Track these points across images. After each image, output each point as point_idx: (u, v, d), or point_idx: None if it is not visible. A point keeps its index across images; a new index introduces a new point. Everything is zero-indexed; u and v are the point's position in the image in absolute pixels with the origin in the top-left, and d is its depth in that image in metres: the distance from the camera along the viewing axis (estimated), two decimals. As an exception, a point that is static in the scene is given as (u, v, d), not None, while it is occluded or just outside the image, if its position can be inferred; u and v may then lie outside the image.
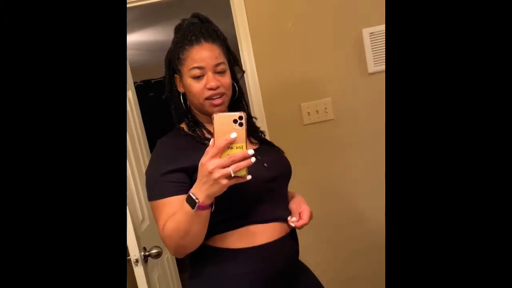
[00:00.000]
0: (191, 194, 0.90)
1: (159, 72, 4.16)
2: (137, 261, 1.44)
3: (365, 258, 1.94)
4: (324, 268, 1.82)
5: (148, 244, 1.52)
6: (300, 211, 1.10)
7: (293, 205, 1.13)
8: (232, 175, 0.85)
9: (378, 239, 1.84)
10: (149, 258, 1.52)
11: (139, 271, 1.45)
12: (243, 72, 1.23)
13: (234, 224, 1.04)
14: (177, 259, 2.05)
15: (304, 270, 1.19)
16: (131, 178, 1.57)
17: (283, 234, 1.08)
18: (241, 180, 0.88)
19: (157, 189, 1.03)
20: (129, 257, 1.46)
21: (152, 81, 4.66)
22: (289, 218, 1.09)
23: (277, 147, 1.21)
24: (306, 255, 1.21)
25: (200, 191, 0.88)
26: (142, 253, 1.47)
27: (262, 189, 1.05)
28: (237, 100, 1.18)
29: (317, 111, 1.84)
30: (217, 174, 0.85)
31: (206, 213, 0.93)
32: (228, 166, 0.85)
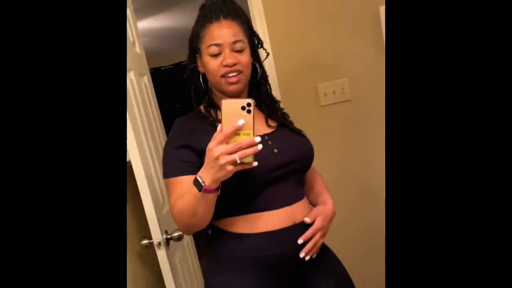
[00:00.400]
0: (198, 177, 0.91)
1: (170, 59, 4.14)
2: (159, 244, 1.45)
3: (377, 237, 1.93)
4: (344, 249, 1.82)
5: (170, 228, 1.53)
6: (315, 216, 1.09)
7: (315, 211, 1.11)
8: (238, 161, 0.86)
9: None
10: (171, 241, 1.53)
11: (161, 254, 1.46)
12: (268, 54, 1.21)
13: (241, 209, 1.05)
14: (196, 245, 2.08)
15: (324, 254, 1.16)
16: (150, 163, 1.58)
17: (293, 222, 1.07)
18: (247, 167, 0.89)
19: (169, 167, 1.06)
20: (151, 240, 1.47)
21: (162, 68, 4.66)
22: (305, 218, 1.08)
23: (298, 130, 1.18)
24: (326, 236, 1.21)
25: (206, 175, 0.90)
26: (164, 236, 1.48)
27: (270, 176, 1.04)
28: (259, 82, 1.17)
29: (334, 92, 1.82)
30: (223, 160, 0.86)
31: (212, 196, 0.94)
32: (235, 152, 0.86)
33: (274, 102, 1.21)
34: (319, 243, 1.08)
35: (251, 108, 0.88)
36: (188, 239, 1.90)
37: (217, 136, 0.88)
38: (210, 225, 1.11)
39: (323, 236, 1.09)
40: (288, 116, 1.24)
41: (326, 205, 1.14)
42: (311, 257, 1.08)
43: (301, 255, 1.05)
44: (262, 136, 1.06)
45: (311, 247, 1.06)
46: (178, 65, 4.52)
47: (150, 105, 1.79)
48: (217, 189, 0.93)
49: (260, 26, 1.77)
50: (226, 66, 1.06)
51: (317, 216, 1.08)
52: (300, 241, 1.05)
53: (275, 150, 1.06)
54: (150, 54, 1.96)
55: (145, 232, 1.54)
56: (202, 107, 1.16)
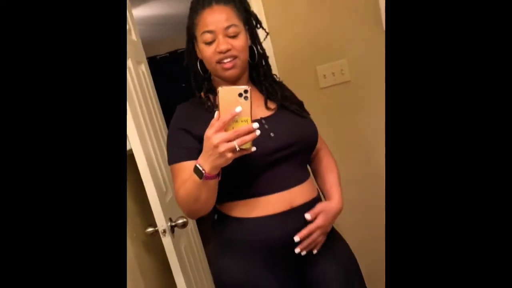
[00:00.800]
0: (197, 165, 0.92)
1: (165, 47, 4.10)
2: (164, 231, 1.46)
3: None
4: (347, 230, 1.83)
5: (174, 215, 1.54)
6: (316, 213, 1.07)
7: (318, 207, 1.09)
8: (237, 148, 0.87)
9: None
10: (176, 229, 1.53)
11: (167, 241, 1.47)
12: (267, 33, 1.20)
13: (240, 194, 1.06)
14: (200, 231, 2.09)
15: (329, 237, 1.15)
16: (151, 150, 1.57)
17: (290, 206, 1.06)
18: (245, 153, 0.90)
19: (171, 153, 1.07)
20: (156, 228, 1.48)
21: (158, 57, 4.62)
22: (306, 214, 1.07)
23: (298, 111, 1.16)
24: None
25: (206, 163, 0.91)
26: (169, 223, 1.48)
27: (266, 160, 1.04)
28: (258, 64, 1.16)
29: (333, 73, 1.81)
30: (222, 148, 0.87)
31: (214, 182, 0.95)
32: (233, 139, 0.86)
33: (274, 83, 1.19)
34: (319, 240, 1.08)
35: (248, 95, 0.88)
36: (192, 226, 1.91)
37: (215, 124, 0.88)
38: (215, 210, 1.12)
39: (324, 234, 1.09)
40: (291, 96, 1.22)
41: (332, 200, 1.14)
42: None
43: (296, 250, 1.05)
44: (259, 120, 1.06)
45: (306, 245, 1.05)
46: (174, 53, 4.48)
47: (149, 93, 1.78)
48: (218, 175, 0.94)
49: (256, 9, 1.74)
50: (220, 52, 1.05)
51: (319, 213, 1.07)
52: (296, 238, 1.04)
53: (272, 134, 1.06)
54: (144, 43, 1.94)
55: (150, 220, 1.54)
56: (202, 93, 1.16)
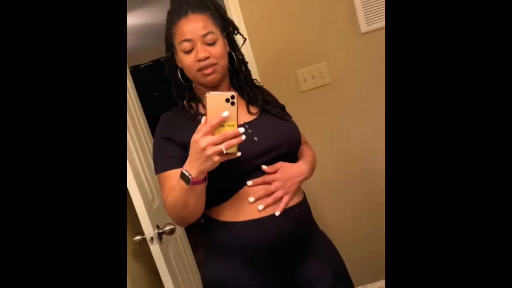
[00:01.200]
0: (184, 171, 0.94)
1: (149, 56, 4.07)
2: (152, 239, 1.47)
3: (370, 219, 1.97)
4: (331, 230, 1.86)
5: (161, 222, 1.55)
6: (276, 168, 1.07)
7: (279, 163, 1.09)
8: (224, 152, 0.89)
9: (382, 200, 1.86)
10: (163, 236, 1.55)
11: (155, 249, 1.48)
12: (245, 39, 1.22)
13: (226, 198, 1.07)
14: (189, 238, 2.09)
15: (315, 237, 1.17)
16: (136, 159, 1.59)
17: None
18: (232, 157, 0.92)
19: (157, 163, 1.09)
20: (144, 236, 1.49)
21: (142, 66, 4.62)
22: (263, 166, 1.06)
23: (281, 114, 1.17)
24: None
25: (192, 167, 0.92)
26: (156, 231, 1.49)
27: (251, 164, 1.05)
28: (238, 70, 1.18)
29: (313, 77, 1.85)
30: (210, 151, 0.89)
31: (201, 187, 0.97)
32: (220, 143, 0.89)
33: (254, 88, 1.21)
34: (277, 195, 1.05)
35: (235, 100, 0.91)
36: (180, 232, 1.92)
37: (203, 128, 0.90)
38: (203, 214, 1.13)
39: (284, 192, 1.06)
40: (272, 100, 1.24)
41: (296, 164, 1.13)
42: (301, 243, 1.10)
43: (259, 207, 1.04)
44: (243, 125, 1.07)
45: (261, 194, 1.04)
46: (158, 62, 4.49)
47: (132, 102, 1.79)
48: (205, 179, 0.95)
49: (235, 15, 1.77)
50: (199, 60, 1.06)
51: (278, 168, 1.07)
52: (249, 182, 1.05)
53: (255, 138, 1.07)
54: (128, 52, 1.95)
55: (137, 228, 1.55)
56: (185, 102, 1.18)
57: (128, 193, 1.44)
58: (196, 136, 0.90)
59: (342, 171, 1.95)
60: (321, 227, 1.24)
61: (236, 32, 1.18)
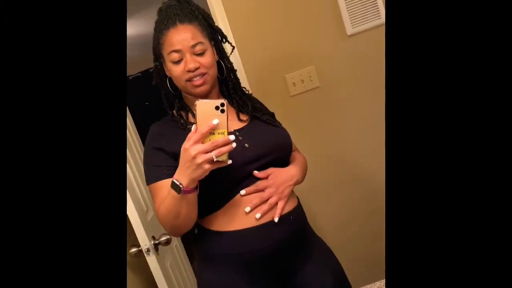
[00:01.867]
0: (174, 180, 0.93)
1: (138, 67, 4.05)
2: (148, 250, 1.46)
3: (362, 221, 1.98)
4: (327, 232, 1.87)
5: (157, 233, 1.54)
6: (268, 173, 1.07)
7: (270, 169, 1.08)
8: (215, 159, 0.88)
9: (375, 201, 1.88)
10: (160, 246, 1.54)
11: (151, 260, 1.47)
12: (233, 47, 1.23)
13: (218, 207, 1.06)
14: (185, 248, 2.09)
15: (311, 242, 1.16)
16: (129, 171, 1.58)
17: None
18: (222, 165, 0.92)
19: (148, 173, 1.08)
20: (140, 248, 1.48)
21: (130, 77, 4.61)
22: (254, 171, 1.05)
23: (271, 121, 1.18)
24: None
25: (183, 176, 0.92)
26: (152, 242, 1.48)
27: (243, 172, 1.05)
28: (227, 78, 1.18)
29: (302, 81, 1.86)
30: (200, 159, 0.88)
31: (192, 196, 0.96)
32: (211, 151, 0.88)
33: (243, 95, 1.21)
34: (272, 202, 1.05)
35: (225, 108, 0.90)
36: (177, 243, 1.91)
37: (193, 136, 0.89)
38: (196, 224, 1.13)
39: (278, 197, 1.05)
40: (262, 108, 1.24)
41: (287, 169, 1.12)
42: (297, 249, 1.09)
43: (257, 216, 1.03)
44: (233, 132, 1.07)
45: (256, 202, 1.03)
46: (146, 72, 4.48)
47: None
48: (196, 188, 0.95)
49: (222, 23, 1.78)
50: (189, 71, 1.06)
51: (270, 174, 1.07)
52: (242, 191, 1.04)
53: (246, 145, 1.06)
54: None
55: (132, 240, 1.54)
56: (175, 111, 1.17)
57: (122, 205, 1.43)
58: (186, 145, 0.90)
59: (335, 173, 1.95)
60: (314, 230, 1.24)
61: (224, 40, 1.18)
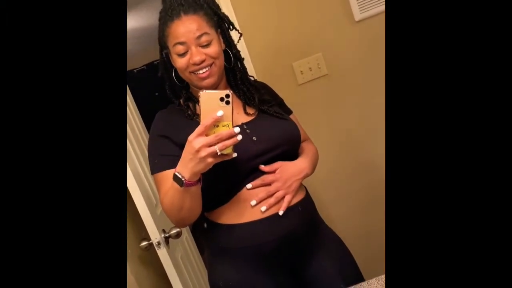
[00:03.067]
0: (176, 173, 0.90)
1: (142, 60, 4.04)
2: (159, 243, 1.45)
3: (370, 212, 1.95)
4: (332, 223, 1.84)
5: (167, 226, 1.53)
6: (275, 168, 1.05)
7: (278, 163, 1.07)
8: (219, 153, 0.85)
9: (382, 192, 1.84)
10: (170, 239, 1.53)
11: (162, 253, 1.46)
12: (241, 34, 1.19)
13: (227, 200, 1.05)
14: (195, 240, 2.08)
15: (321, 232, 1.15)
16: (137, 163, 1.57)
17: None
18: (227, 158, 0.89)
19: (153, 163, 1.06)
20: (150, 241, 1.47)
21: (135, 70, 4.59)
22: (261, 166, 1.05)
23: (279, 113, 1.15)
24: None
25: (185, 169, 0.89)
26: (163, 235, 1.48)
27: (251, 165, 1.03)
28: (234, 68, 1.15)
29: (310, 69, 1.82)
30: (204, 153, 0.85)
31: (195, 188, 0.94)
32: (215, 144, 0.85)
33: (251, 87, 1.17)
34: (279, 195, 1.03)
35: (230, 99, 0.87)
36: (187, 235, 1.90)
37: (196, 128, 0.87)
38: (204, 218, 1.11)
39: (285, 191, 1.04)
40: (269, 99, 1.20)
41: (295, 162, 1.10)
42: (307, 239, 1.08)
43: (262, 209, 1.02)
44: (240, 125, 1.05)
45: (263, 196, 1.02)
46: (151, 65, 4.46)
47: (128, 105, 1.77)
48: (198, 181, 0.93)
49: (226, 10, 1.73)
50: (194, 64, 1.04)
51: (277, 168, 1.05)
52: (249, 185, 1.03)
53: (254, 138, 1.05)
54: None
55: (143, 234, 1.53)
56: (181, 100, 1.15)
57: (132, 199, 1.42)
58: (190, 137, 0.87)
59: (346, 163, 1.93)
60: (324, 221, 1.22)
61: (231, 27, 1.15)
